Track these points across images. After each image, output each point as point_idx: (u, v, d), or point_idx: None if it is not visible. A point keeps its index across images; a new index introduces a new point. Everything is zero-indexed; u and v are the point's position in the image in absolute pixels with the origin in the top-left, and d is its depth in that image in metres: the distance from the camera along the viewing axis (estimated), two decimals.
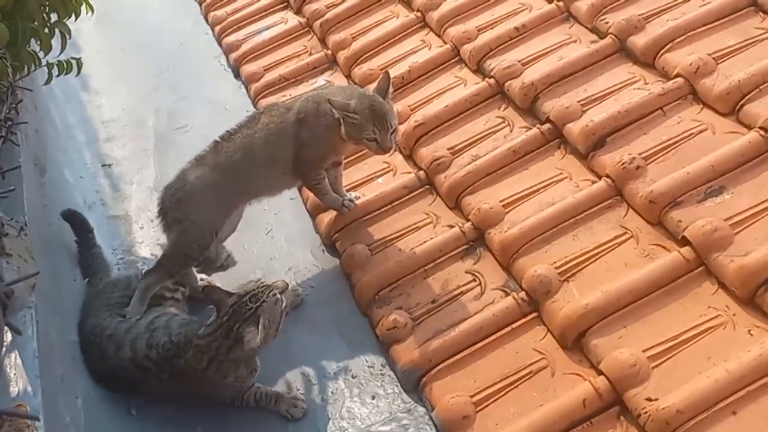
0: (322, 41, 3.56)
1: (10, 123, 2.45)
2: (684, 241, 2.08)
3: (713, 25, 2.62)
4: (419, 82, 3.05)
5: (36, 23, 2.54)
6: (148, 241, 2.84)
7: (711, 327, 1.91)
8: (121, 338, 2.23)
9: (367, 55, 3.29)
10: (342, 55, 3.36)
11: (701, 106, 2.43)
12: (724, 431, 1.70)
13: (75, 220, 2.68)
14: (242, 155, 2.46)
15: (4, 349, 1.70)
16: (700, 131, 2.35)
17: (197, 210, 2.44)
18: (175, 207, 2.45)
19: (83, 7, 2.81)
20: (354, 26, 3.49)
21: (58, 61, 2.76)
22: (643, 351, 1.89)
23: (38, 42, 2.59)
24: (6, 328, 1.71)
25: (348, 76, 3.29)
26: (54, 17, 2.70)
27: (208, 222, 2.45)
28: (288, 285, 2.22)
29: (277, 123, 2.48)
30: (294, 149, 2.47)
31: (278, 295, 2.14)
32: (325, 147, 2.47)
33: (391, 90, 2.41)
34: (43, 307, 2.01)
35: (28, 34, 2.48)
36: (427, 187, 2.66)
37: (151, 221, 2.91)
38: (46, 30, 2.63)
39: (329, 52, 3.46)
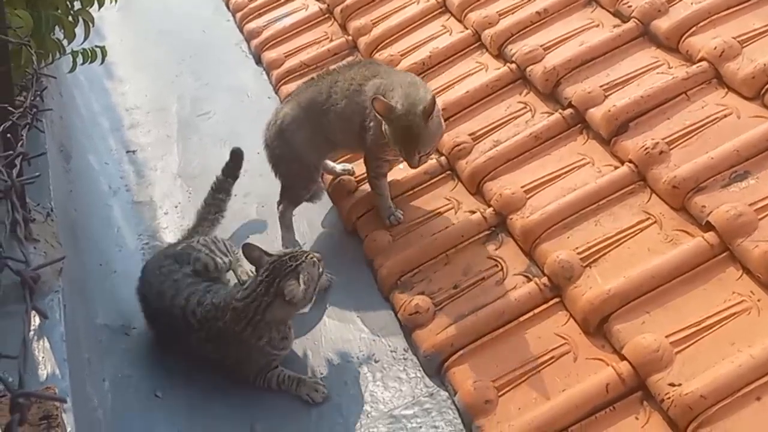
0: (343, 27, 3.55)
1: (35, 110, 2.46)
2: (708, 227, 2.07)
3: (737, 8, 2.58)
4: (440, 67, 3.04)
5: (59, 11, 2.57)
6: (173, 227, 2.86)
7: (735, 312, 1.89)
8: (182, 287, 2.29)
9: (387, 40, 3.28)
10: (363, 41, 3.35)
11: (726, 90, 2.40)
12: (748, 417, 1.70)
13: (235, 158, 2.78)
14: (325, 98, 2.51)
15: (32, 332, 1.73)
16: (725, 116, 2.33)
17: (290, 147, 2.55)
18: (274, 141, 2.59)
19: None
20: (374, 12, 3.48)
21: (83, 49, 2.80)
22: (667, 336, 1.88)
23: (62, 30, 2.62)
24: (33, 312, 1.74)
25: None
26: (77, 5, 2.73)
27: (305, 157, 2.56)
28: (322, 257, 2.26)
29: (358, 82, 2.49)
30: (359, 124, 2.46)
31: (315, 259, 2.19)
32: (382, 137, 2.35)
33: (437, 112, 2.32)
34: (70, 291, 2.03)
35: (52, 22, 2.51)
36: (449, 172, 2.66)
37: (175, 207, 2.94)
38: (70, 18, 2.66)
39: (350, 38, 3.45)
